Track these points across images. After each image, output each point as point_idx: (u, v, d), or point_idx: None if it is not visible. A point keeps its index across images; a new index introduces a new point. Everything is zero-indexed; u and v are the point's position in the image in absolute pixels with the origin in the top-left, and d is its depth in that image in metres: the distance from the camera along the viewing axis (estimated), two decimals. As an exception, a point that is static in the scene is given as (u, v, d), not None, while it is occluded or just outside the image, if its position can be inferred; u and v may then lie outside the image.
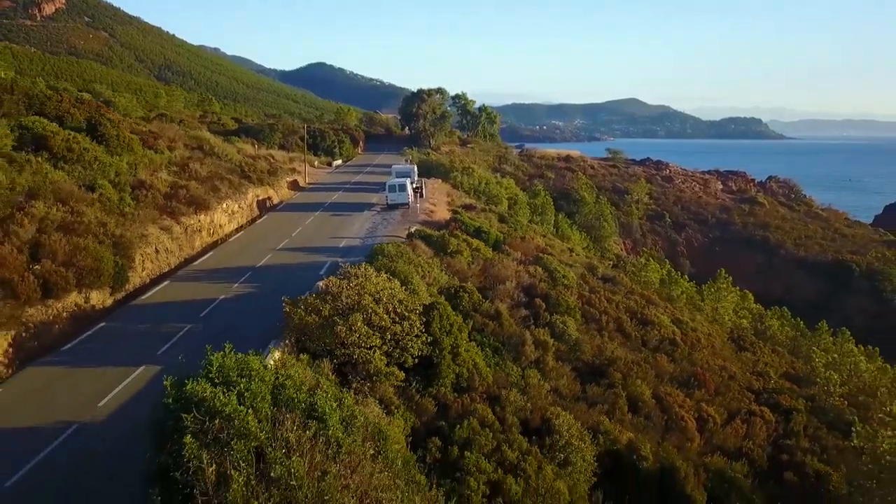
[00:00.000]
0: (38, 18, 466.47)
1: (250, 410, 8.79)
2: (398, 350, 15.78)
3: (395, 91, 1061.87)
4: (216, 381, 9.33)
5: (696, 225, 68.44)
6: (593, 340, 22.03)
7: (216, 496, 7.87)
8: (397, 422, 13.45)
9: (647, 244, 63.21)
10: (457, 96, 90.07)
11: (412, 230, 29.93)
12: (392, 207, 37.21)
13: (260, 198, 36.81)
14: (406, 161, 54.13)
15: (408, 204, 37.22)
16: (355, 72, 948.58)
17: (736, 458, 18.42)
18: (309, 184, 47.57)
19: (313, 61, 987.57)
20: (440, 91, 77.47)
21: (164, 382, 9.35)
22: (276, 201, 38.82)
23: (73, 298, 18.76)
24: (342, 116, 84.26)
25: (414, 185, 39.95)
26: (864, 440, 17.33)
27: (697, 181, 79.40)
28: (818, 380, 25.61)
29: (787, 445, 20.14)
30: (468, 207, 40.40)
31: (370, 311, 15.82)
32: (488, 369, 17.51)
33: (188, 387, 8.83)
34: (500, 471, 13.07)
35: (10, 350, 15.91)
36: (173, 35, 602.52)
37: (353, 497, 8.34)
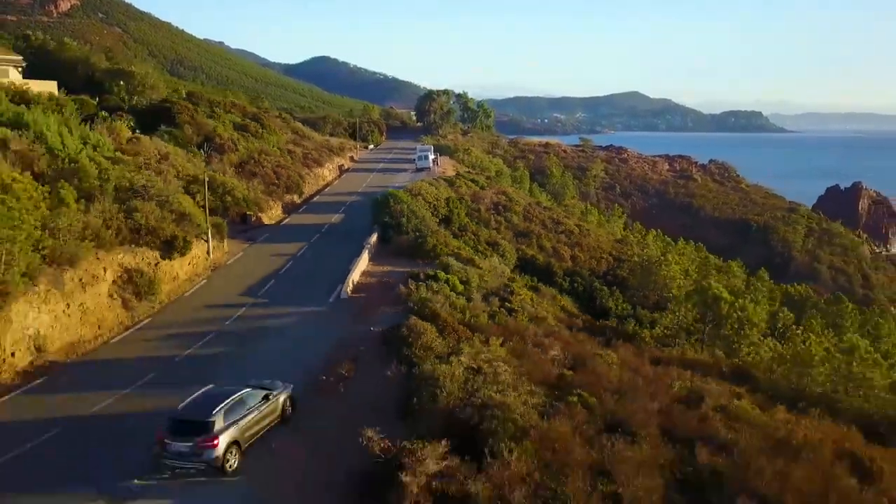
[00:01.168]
0: (55, 15, 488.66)
1: (405, 202, 33.00)
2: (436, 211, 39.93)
3: (398, 85, 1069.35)
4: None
5: (640, 194, 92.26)
6: (525, 224, 46.16)
7: (401, 227, 32.05)
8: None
9: (601, 207, 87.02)
10: (459, 95, 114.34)
11: (434, 178, 53.89)
12: (419, 170, 60.94)
13: (338, 164, 60.80)
14: (425, 144, 78.09)
15: (429, 168, 61.03)
16: (359, 65, 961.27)
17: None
18: (360, 158, 71.56)
19: (317, 55, 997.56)
20: (446, 92, 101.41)
21: (388, 193, 33.77)
22: (346, 167, 62.79)
23: (289, 197, 42.93)
24: (368, 112, 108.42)
25: (432, 158, 63.76)
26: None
27: (647, 162, 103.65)
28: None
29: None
30: (468, 172, 64.36)
31: (426, 197, 39.95)
32: (474, 225, 41.65)
33: (389, 191, 33.17)
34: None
35: (281, 211, 40.19)
36: (183, 30, 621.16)
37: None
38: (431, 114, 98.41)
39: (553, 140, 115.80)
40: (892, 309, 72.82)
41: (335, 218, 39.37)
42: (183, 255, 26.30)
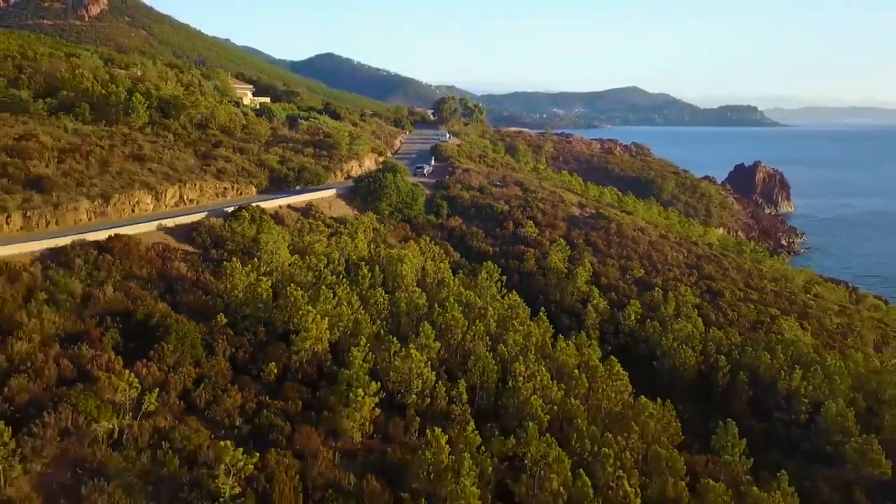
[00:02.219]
0: (86, 19, 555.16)
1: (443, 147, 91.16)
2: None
3: (400, 81, 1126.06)
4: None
5: (575, 163, 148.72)
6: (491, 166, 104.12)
7: (441, 154, 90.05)
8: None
9: (545, 166, 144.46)
10: (461, 99, 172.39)
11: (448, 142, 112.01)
12: (441, 141, 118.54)
13: (399, 138, 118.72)
14: (443, 129, 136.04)
15: (447, 140, 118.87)
16: (363, 62, 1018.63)
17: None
18: (404, 139, 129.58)
19: (321, 52, 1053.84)
20: (453, 97, 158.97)
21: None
22: (402, 140, 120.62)
23: (391, 147, 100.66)
24: (400, 111, 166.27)
25: (447, 137, 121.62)
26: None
27: (585, 143, 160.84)
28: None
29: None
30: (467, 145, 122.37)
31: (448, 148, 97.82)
32: (466, 160, 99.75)
33: (436, 144, 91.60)
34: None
35: (390, 152, 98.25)
36: (200, 31, 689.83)
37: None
38: (444, 111, 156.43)
39: (526, 130, 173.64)
40: (720, 228, 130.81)
41: (413, 154, 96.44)
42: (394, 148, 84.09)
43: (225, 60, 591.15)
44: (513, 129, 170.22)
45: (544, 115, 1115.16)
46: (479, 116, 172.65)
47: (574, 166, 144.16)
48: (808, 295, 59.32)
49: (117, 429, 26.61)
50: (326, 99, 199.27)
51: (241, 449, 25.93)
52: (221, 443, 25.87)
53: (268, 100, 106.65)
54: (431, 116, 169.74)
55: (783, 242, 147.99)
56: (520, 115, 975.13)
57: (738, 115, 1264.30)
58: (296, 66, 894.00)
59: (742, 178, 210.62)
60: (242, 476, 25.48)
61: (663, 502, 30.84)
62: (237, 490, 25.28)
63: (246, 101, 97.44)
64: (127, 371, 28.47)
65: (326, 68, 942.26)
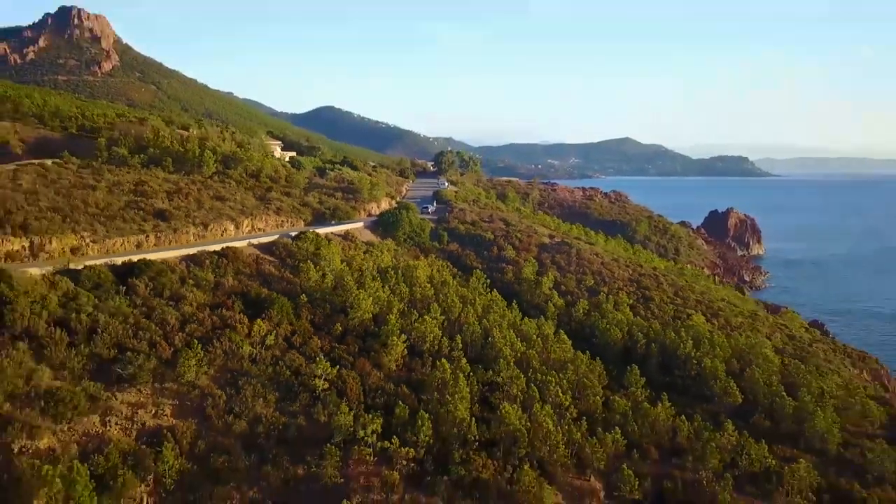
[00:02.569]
0: (99, 75, 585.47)
1: (443, 193, 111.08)
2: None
3: (400, 133, 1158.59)
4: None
5: (559, 208, 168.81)
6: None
7: (441, 199, 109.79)
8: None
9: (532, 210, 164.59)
10: (458, 152, 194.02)
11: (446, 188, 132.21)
12: (441, 188, 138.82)
13: (405, 186, 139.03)
14: (442, 178, 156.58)
15: (446, 187, 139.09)
16: (363, 115, 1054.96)
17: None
18: (409, 186, 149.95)
19: (322, 105, 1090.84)
20: (451, 151, 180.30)
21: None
22: (407, 187, 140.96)
23: (399, 192, 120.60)
24: (403, 163, 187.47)
25: (446, 185, 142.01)
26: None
27: (569, 191, 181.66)
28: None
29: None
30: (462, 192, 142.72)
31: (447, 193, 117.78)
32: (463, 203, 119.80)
33: (437, 191, 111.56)
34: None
35: (399, 196, 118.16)
36: (206, 85, 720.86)
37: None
38: (443, 163, 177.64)
39: (515, 179, 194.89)
40: (688, 266, 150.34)
41: (418, 198, 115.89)
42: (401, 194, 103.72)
43: (230, 113, 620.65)
44: (504, 178, 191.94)
45: (539, 166, 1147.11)
46: (474, 167, 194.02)
47: (557, 211, 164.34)
48: (723, 302, 78.18)
49: (251, 352, 45.32)
50: (331, 151, 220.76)
51: (327, 363, 44.75)
52: (318, 358, 44.68)
53: (294, 153, 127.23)
54: (431, 167, 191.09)
55: (746, 279, 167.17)
56: (515, 166, 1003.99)
57: (728, 165, 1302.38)
58: (297, 119, 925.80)
59: (716, 223, 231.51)
60: (327, 379, 44.10)
61: (587, 411, 49.15)
62: (326, 386, 43.87)
63: (277, 155, 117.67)
64: (251, 322, 47.32)
65: (328, 120, 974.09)
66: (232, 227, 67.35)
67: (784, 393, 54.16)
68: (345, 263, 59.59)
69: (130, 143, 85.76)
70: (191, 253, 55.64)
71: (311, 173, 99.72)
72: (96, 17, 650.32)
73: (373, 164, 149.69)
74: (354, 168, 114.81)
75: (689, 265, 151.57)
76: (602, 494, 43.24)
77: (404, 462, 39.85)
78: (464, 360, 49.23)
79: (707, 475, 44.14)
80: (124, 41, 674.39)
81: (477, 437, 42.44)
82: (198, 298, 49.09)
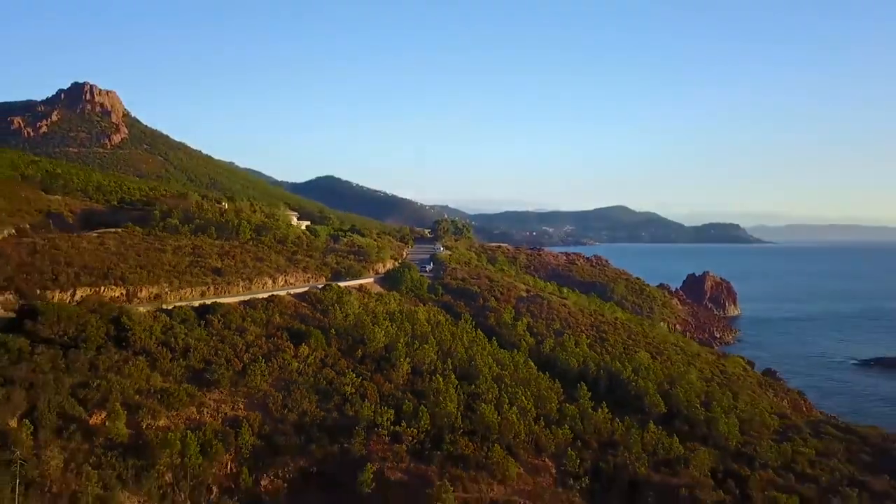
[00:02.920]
0: (109, 147, 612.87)
1: (439, 256, 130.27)
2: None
3: (397, 201, 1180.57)
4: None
5: (544, 271, 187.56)
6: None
7: (438, 261, 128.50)
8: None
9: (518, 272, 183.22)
10: (454, 220, 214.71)
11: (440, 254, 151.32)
12: (432, 255, 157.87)
13: (405, 250, 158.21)
14: (438, 244, 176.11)
15: (441, 251, 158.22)
16: (361, 184, 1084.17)
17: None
18: (409, 252, 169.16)
19: (321, 174, 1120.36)
20: (446, 219, 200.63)
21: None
22: (407, 251, 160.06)
23: (400, 256, 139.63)
24: (403, 230, 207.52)
25: (442, 249, 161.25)
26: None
27: (553, 256, 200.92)
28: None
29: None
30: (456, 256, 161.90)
31: (442, 256, 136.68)
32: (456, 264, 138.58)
33: (434, 254, 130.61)
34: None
35: (402, 258, 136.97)
36: (210, 156, 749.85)
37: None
38: (439, 230, 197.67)
39: (506, 245, 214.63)
40: (662, 322, 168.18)
41: (417, 260, 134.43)
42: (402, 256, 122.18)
43: (234, 183, 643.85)
44: (494, 244, 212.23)
45: (534, 233, 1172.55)
46: (467, 234, 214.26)
47: (542, 273, 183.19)
48: (670, 345, 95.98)
49: (297, 367, 62.88)
50: (338, 220, 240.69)
51: (353, 375, 62.34)
52: (347, 372, 62.35)
53: (309, 222, 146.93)
54: (428, 234, 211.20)
55: (716, 335, 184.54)
56: (510, 233, 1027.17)
57: (720, 233, 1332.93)
58: (297, 188, 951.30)
59: (694, 285, 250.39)
60: (353, 386, 61.47)
61: (544, 414, 66.23)
62: (353, 391, 61.26)
63: (294, 223, 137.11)
64: (295, 348, 65.05)
65: (327, 189, 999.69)
66: (270, 281, 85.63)
67: (699, 405, 71.39)
68: (361, 307, 77.66)
69: (180, 215, 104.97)
70: (244, 299, 73.77)
71: (327, 239, 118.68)
72: (107, 92, 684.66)
73: (376, 231, 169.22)
74: (362, 235, 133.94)
75: (662, 322, 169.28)
76: (553, 470, 59.95)
77: (410, 441, 56.91)
78: (453, 377, 66.73)
79: (632, 458, 60.99)
80: (132, 114, 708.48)
81: (462, 427, 59.59)
82: (255, 331, 66.95)
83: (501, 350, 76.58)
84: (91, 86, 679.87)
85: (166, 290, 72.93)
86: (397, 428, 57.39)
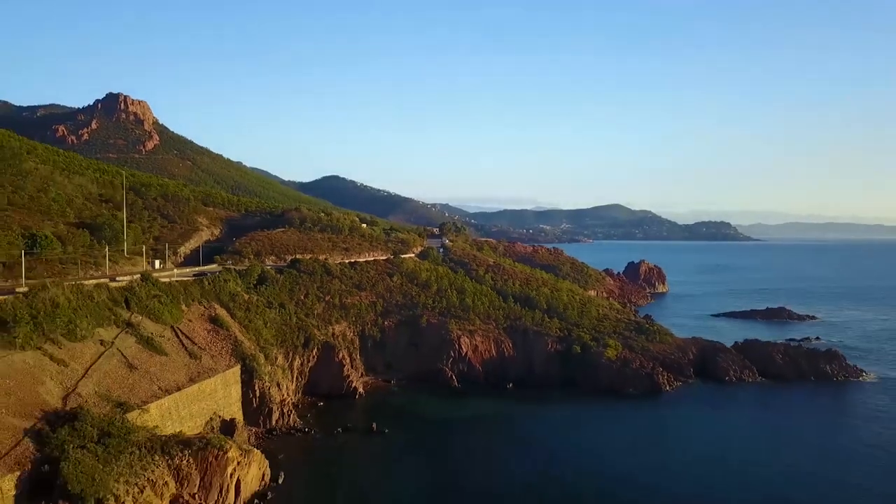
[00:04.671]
0: (143, 153, 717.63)
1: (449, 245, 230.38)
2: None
3: (400, 200, 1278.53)
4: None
5: (515, 256, 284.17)
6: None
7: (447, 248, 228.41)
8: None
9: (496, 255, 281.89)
10: (455, 220, 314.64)
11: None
12: (444, 243, 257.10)
13: (423, 241, 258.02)
14: (445, 238, 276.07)
15: (446, 242, 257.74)
16: (365, 184, 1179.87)
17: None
18: (425, 243, 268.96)
19: (327, 174, 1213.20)
20: (450, 221, 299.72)
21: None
22: (425, 243, 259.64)
23: (423, 244, 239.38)
24: (419, 229, 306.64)
25: (447, 241, 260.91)
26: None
27: (523, 247, 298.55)
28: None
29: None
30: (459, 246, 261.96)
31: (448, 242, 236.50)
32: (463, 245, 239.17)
33: (443, 243, 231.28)
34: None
35: (422, 246, 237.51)
36: (230, 159, 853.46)
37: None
38: (444, 228, 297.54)
39: (491, 239, 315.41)
40: (591, 291, 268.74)
41: (431, 247, 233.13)
42: (423, 245, 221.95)
43: (254, 185, 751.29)
44: (482, 238, 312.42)
45: (531, 231, 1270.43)
46: (464, 232, 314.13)
47: (514, 258, 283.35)
48: (567, 291, 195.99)
49: (391, 286, 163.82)
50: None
51: (415, 288, 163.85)
52: (413, 287, 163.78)
53: (365, 224, 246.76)
54: (436, 232, 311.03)
55: (632, 299, 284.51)
56: (508, 231, 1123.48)
57: (711, 231, 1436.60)
58: (304, 188, 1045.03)
59: (632, 270, 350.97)
60: (415, 292, 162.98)
61: (492, 306, 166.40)
62: (415, 294, 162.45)
63: (363, 225, 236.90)
64: (389, 279, 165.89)
65: (333, 188, 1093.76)
66: (367, 254, 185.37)
67: (562, 308, 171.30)
68: (413, 265, 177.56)
69: (306, 220, 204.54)
70: (360, 261, 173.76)
71: (381, 233, 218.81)
72: (139, 102, 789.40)
73: (404, 230, 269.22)
74: (399, 232, 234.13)
75: (592, 290, 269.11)
76: (494, 325, 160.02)
77: (437, 311, 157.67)
78: (455, 293, 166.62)
79: (526, 322, 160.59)
80: (161, 121, 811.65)
81: (458, 306, 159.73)
82: (371, 272, 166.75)
83: (476, 284, 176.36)
84: (125, 96, 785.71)
85: (327, 256, 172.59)
86: (431, 304, 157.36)
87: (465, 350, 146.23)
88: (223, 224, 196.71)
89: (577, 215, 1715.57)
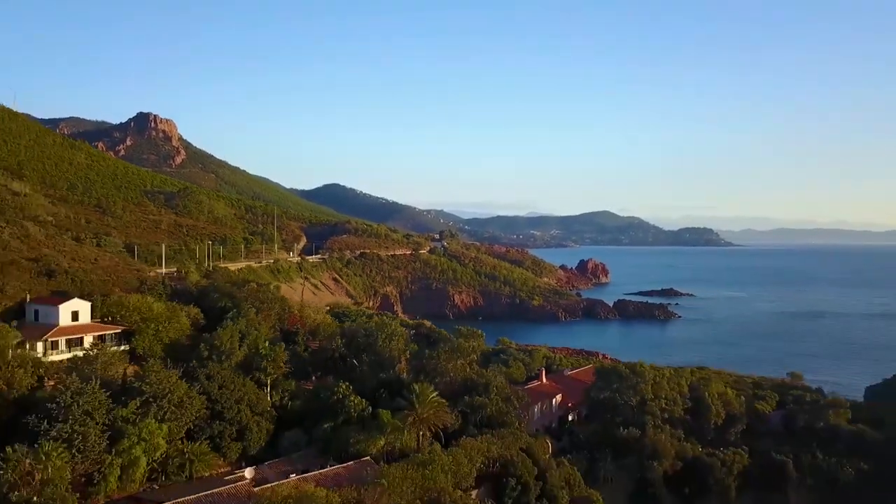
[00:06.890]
0: (173, 167, 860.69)
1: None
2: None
3: (398, 207, 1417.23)
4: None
5: (494, 255, 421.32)
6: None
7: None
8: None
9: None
10: (450, 226, 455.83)
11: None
12: (442, 245, 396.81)
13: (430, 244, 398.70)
14: (443, 241, 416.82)
15: (444, 244, 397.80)
16: (365, 191, 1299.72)
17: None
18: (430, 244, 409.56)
19: (328, 182, 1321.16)
20: (448, 228, 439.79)
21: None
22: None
23: (430, 246, 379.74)
24: (428, 235, 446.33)
25: (445, 243, 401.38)
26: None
27: (500, 248, 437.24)
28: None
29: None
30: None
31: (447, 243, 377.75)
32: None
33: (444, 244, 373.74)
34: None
35: (427, 248, 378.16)
36: (246, 171, 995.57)
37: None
38: (442, 234, 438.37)
39: (476, 242, 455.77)
40: (545, 277, 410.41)
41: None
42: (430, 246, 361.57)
43: (267, 194, 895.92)
44: (473, 242, 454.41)
45: (520, 236, 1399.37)
46: (458, 237, 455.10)
47: (492, 255, 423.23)
48: (519, 273, 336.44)
49: (418, 267, 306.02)
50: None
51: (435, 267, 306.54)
52: (433, 268, 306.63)
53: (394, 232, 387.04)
54: (437, 237, 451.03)
55: (577, 287, 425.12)
56: (499, 236, 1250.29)
57: (694, 237, 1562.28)
58: (306, 195, 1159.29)
59: (582, 265, 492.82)
60: (437, 270, 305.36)
61: (471, 277, 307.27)
62: (439, 268, 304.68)
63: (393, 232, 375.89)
64: (414, 262, 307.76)
65: (333, 196, 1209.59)
66: (398, 249, 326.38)
67: (514, 279, 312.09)
68: (428, 255, 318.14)
69: (358, 229, 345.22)
70: (396, 254, 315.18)
71: (403, 238, 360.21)
72: (166, 120, 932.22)
73: (418, 235, 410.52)
74: (414, 237, 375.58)
75: (543, 279, 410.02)
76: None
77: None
78: (452, 273, 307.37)
79: (495, 287, 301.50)
80: (185, 138, 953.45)
81: (453, 275, 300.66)
82: (403, 260, 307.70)
83: (463, 268, 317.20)
84: (154, 115, 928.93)
85: (376, 250, 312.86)
86: (437, 277, 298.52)
87: (456, 301, 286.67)
88: (302, 231, 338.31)
89: (567, 222, 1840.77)
